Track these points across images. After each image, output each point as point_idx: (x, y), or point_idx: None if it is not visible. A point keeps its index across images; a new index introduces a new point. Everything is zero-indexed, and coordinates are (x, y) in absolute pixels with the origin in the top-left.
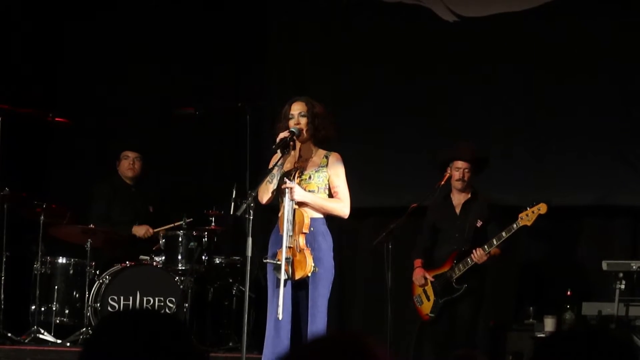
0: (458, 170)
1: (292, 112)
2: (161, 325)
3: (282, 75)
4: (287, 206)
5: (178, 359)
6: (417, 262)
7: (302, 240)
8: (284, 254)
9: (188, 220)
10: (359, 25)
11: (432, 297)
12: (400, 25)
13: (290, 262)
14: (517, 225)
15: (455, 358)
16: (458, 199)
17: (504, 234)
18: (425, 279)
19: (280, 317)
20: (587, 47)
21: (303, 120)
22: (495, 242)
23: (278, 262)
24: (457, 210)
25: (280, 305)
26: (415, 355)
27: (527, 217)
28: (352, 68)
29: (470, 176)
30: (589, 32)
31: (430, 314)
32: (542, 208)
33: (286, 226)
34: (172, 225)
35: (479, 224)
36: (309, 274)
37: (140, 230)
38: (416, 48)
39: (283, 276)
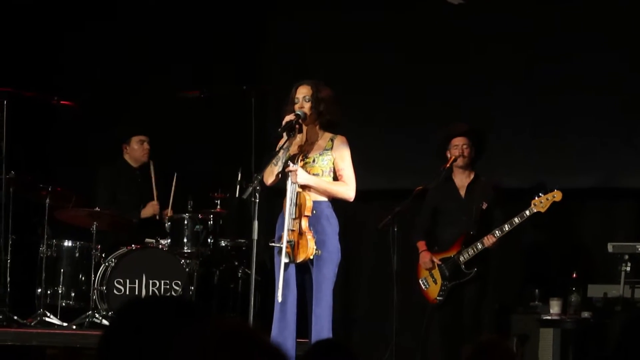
0: (456, 147)
1: (297, 95)
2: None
3: (285, 58)
4: (290, 189)
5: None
6: (422, 244)
7: (304, 223)
8: (285, 236)
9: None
10: (361, 8)
11: (439, 281)
12: (404, 8)
13: (293, 245)
14: (530, 212)
15: (479, 344)
16: (461, 180)
17: (516, 219)
18: (433, 262)
19: (279, 300)
20: (592, 26)
21: (307, 105)
22: (507, 228)
23: (281, 245)
24: (462, 193)
25: (280, 288)
26: (423, 337)
27: (540, 204)
28: (356, 51)
29: (470, 152)
30: (594, 10)
31: (438, 298)
32: (557, 195)
33: (289, 209)
34: (173, 190)
35: (485, 206)
36: (312, 257)
37: (148, 211)
38: (420, 30)
39: (284, 259)
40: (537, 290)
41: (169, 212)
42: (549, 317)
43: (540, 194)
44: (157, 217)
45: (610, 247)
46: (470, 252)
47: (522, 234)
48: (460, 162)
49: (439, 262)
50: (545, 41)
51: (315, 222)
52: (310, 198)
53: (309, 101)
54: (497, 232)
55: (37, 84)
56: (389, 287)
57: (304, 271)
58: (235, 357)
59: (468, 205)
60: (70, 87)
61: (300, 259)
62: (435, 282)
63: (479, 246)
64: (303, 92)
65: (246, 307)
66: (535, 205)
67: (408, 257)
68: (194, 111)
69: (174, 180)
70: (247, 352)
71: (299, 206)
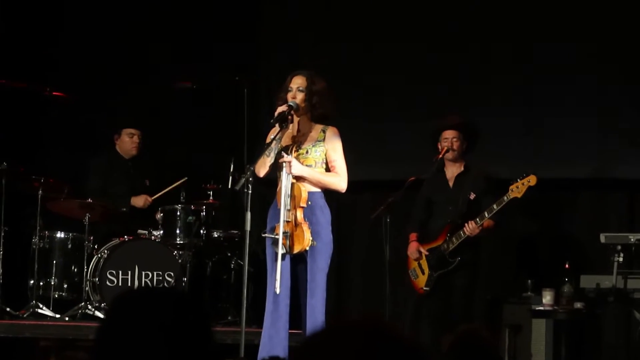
0: (446, 140)
1: (291, 85)
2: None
3: (279, 49)
4: (284, 180)
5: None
6: (412, 236)
7: (299, 214)
8: (281, 228)
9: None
10: None
11: (426, 271)
12: None
13: (288, 236)
14: (507, 198)
15: (459, 333)
16: (451, 171)
17: (494, 206)
18: (420, 252)
19: (277, 291)
20: (585, 14)
21: (300, 96)
22: (487, 215)
23: (276, 236)
24: (451, 184)
25: (277, 280)
26: (412, 328)
27: (517, 189)
28: (348, 41)
29: (459, 145)
30: (589, 2)
31: (425, 288)
32: (532, 180)
33: (284, 200)
34: (171, 187)
35: (472, 196)
36: (307, 248)
37: (139, 201)
38: (413, 20)
39: (281, 250)
40: (529, 281)
41: (149, 199)
42: (541, 308)
43: (517, 180)
44: (144, 207)
45: (602, 238)
46: (455, 240)
47: (515, 225)
48: (450, 155)
49: (426, 253)
50: (541, 30)
51: (309, 213)
52: (305, 189)
53: (302, 92)
54: (477, 219)
55: (30, 75)
56: (382, 277)
57: (297, 262)
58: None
59: (455, 195)
60: (62, 79)
61: (296, 250)
62: (423, 272)
63: (462, 234)
64: (297, 83)
65: (239, 298)
66: (512, 191)
67: (401, 248)
68: (185, 102)
69: (178, 183)
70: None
71: (294, 197)
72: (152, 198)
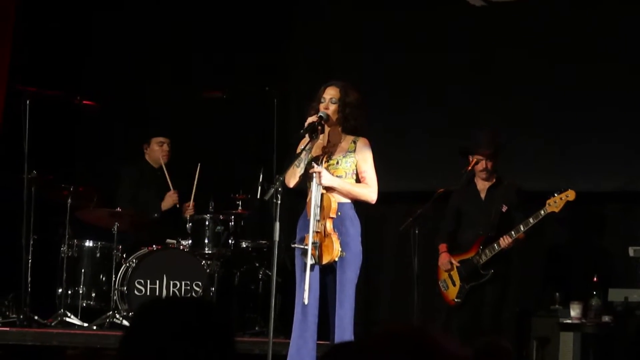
0: (479, 161)
1: (324, 95)
2: (201, 313)
3: (308, 59)
4: (314, 191)
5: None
6: (442, 246)
7: (329, 225)
8: (310, 238)
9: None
10: (384, 10)
11: (457, 282)
12: (427, 10)
13: (318, 246)
14: (544, 212)
15: (481, 345)
16: (483, 183)
17: (531, 220)
18: (451, 263)
19: (306, 302)
20: (614, 34)
21: (332, 107)
22: (522, 228)
23: (306, 247)
24: (483, 196)
25: (306, 290)
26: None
27: (554, 204)
28: (378, 52)
29: (493, 164)
30: (621, 18)
31: (456, 299)
32: (570, 195)
33: (314, 211)
34: (195, 181)
35: (504, 209)
36: (336, 259)
37: (168, 202)
38: (443, 33)
39: (310, 261)
40: (557, 294)
41: (191, 205)
42: (569, 321)
43: (554, 194)
44: (177, 206)
45: (631, 251)
46: (488, 253)
47: (544, 237)
48: (483, 175)
49: (458, 264)
50: (566, 45)
51: (339, 223)
52: (335, 200)
53: (335, 103)
54: (512, 232)
55: (61, 83)
56: (410, 289)
57: (326, 273)
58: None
59: (487, 207)
60: (93, 87)
61: (325, 260)
62: (454, 283)
63: (496, 247)
64: (331, 94)
65: (267, 308)
66: (549, 205)
67: (430, 260)
68: (216, 111)
69: (197, 171)
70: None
71: (324, 208)
72: (186, 204)
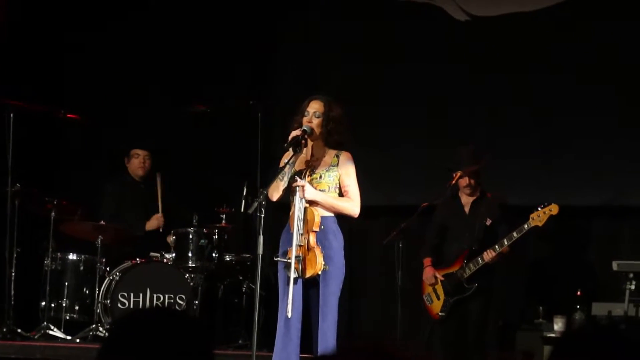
0: (462, 178)
1: (308, 108)
2: (179, 325)
3: (293, 74)
4: (298, 204)
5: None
6: (427, 260)
7: (312, 239)
8: (294, 252)
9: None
10: (370, 24)
11: (442, 296)
12: (411, 24)
13: (301, 260)
14: (528, 226)
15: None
16: (467, 198)
17: (515, 234)
18: (436, 277)
19: (289, 315)
20: (599, 47)
21: (316, 121)
22: (506, 242)
23: (289, 260)
24: (467, 209)
25: (289, 304)
26: (426, 353)
27: (538, 218)
28: (363, 67)
29: (476, 180)
30: (600, 33)
31: (440, 313)
32: (554, 209)
33: (297, 224)
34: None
35: (489, 222)
36: (320, 272)
37: (153, 224)
38: (427, 47)
39: (293, 274)
40: (541, 308)
41: (160, 217)
42: (552, 335)
43: (538, 208)
44: (161, 230)
45: (615, 265)
46: (472, 267)
47: (527, 251)
48: (467, 190)
49: (442, 278)
50: (554, 61)
51: (322, 237)
52: (318, 213)
53: (319, 117)
54: (496, 246)
55: (44, 97)
56: (394, 302)
57: (309, 286)
58: None
59: (471, 221)
60: (77, 101)
61: (308, 274)
62: (438, 297)
63: (480, 261)
64: (315, 107)
65: (250, 321)
66: (533, 219)
67: (413, 273)
68: (199, 125)
69: (158, 180)
70: None
71: (307, 221)
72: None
